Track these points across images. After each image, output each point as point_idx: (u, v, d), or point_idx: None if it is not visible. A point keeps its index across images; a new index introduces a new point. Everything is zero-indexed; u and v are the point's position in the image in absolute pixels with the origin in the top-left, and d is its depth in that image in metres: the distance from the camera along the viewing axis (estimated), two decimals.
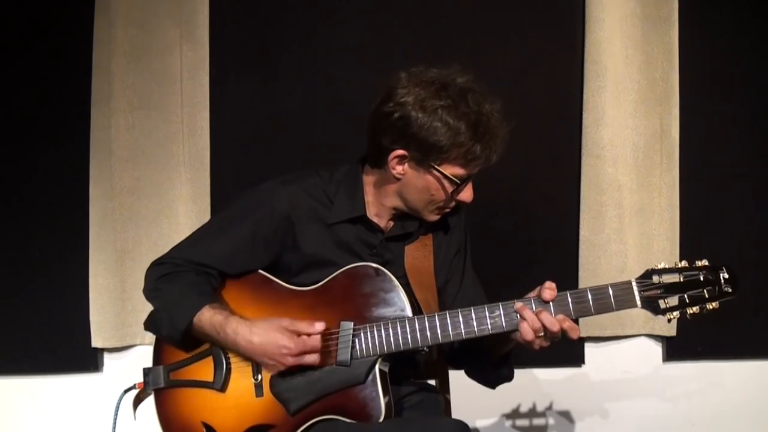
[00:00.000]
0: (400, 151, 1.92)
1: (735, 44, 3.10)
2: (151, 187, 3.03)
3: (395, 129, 1.90)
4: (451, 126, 1.86)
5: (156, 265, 2.08)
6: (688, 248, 2.99)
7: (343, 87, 3.00)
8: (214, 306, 1.95)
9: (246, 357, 1.94)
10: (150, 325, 2.04)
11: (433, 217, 2.04)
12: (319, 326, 1.88)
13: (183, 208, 3.04)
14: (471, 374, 2.15)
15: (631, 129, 3.04)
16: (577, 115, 3.04)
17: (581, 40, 3.03)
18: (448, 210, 2.04)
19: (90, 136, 3.02)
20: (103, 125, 3.01)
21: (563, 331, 1.80)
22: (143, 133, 3.02)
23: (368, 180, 2.07)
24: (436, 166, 1.91)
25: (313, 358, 1.88)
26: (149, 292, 2.07)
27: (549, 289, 1.81)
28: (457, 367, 2.21)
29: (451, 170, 1.91)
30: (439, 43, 3.02)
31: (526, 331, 1.80)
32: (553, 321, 1.79)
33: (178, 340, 1.98)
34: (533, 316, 1.80)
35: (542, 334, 1.81)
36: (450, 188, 1.94)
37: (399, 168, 1.95)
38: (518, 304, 1.82)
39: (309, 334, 1.88)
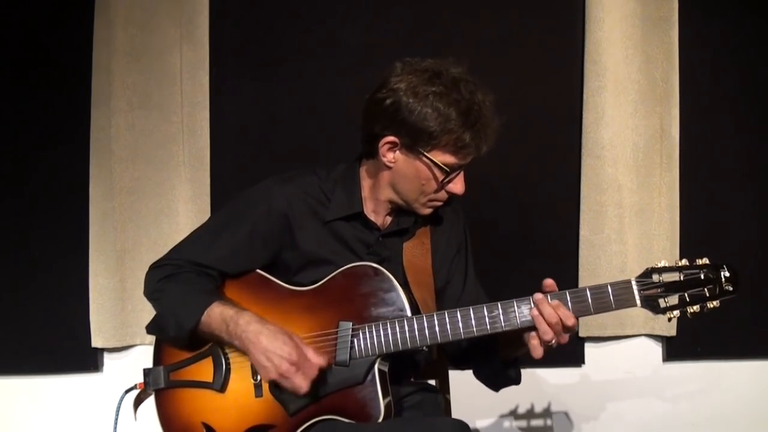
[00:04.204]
0: (391, 138, 1.92)
1: (735, 44, 3.10)
2: (151, 187, 3.03)
3: (386, 115, 1.90)
4: (442, 112, 1.86)
5: (156, 267, 2.08)
6: (688, 248, 2.99)
7: (343, 87, 3.00)
8: (223, 302, 1.94)
9: (244, 352, 1.92)
10: (153, 328, 2.03)
11: (426, 211, 2.03)
12: (322, 360, 1.87)
13: (183, 208, 3.04)
14: (478, 375, 2.15)
15: (631, 129, 3.04)
16: (577, 115, 3.05)
17: (581, 40, 3.04)
18: (439, 203, 2.03)
19: (90, 136, 3.02)
20: (103, 125, 3.01)
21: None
22: (143, 133, 3.02)
23: (364, 173, 2.07)
24: (425, 153, 1.91)
25: (302, 381, 1.84)
26: (151, 294, 2.06)
27: (549, 281, 1.82)
28: (463, 368, 2.20)
29: (441, 158, 1.91)
30: (439, 42, 3.02)
31: (540, 323, 1.79)
32: (569, 314, 1.78)
33: (184, 340, 1.97)
34: (550, 310, 1.79)
35: (558, 326, 1.79)
36: (440, 177, 1.94)
37: (390, 155, 1.96)
38: (538, 296, 1.81)
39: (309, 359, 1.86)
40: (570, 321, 1.78)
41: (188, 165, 3.03)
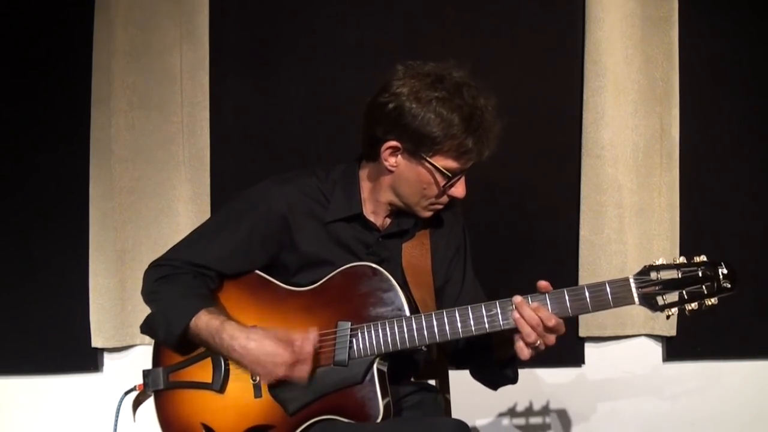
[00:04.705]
0: (393, 142, 1.92)
1: (735, 44, 3.10)
2: (151, 187, 3.03)
3: (389, 119, 1.90)
4: (444, 118, 1.86)
5: (154, 266, 2.07)
6: (688, 248, 2.97)
7: (343, 87, 3.01)
8: (211, 310, 1.94)
9: (240, 363, 1.93)
10: (146, 328, 2.03)
11: (427, 214, 2.03)
12: (312, 334, 1.87)
13: (183, 208, 3.04)
14: (475, 374, 2.15)
15: (631, 129, 3.04)
16: (577, 115, 3.04)
17: (581, 40, 3.04)
18: (440, 206, 2.03)
19: (90, 136, 3.02)
20: (103, 125, 3.01)
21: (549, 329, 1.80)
22: (143, 133, 3.02)
23: (364, 175, 2.07)
24: (428, 158, 1.91)
25: (302, 371, 1.86)
26: (147, 295, 2.06)
27: (543, 282, 1.81)
28: (461, 367, 2.20)
29: (443, 163, 1.91)
30: (440, 42, 3.02)
31: (521, 325, 1.79)
32: (549, 315, 1.78)
33: (173, 344, 1.98)
34: (530, 312, 1.79)
35: (540, 328, 1.79)
36: (442, 182, 1.94)
37: (392, 160, 1.95)
38: (517, 298, 1.81)
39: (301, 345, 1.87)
40: (551, 322, 1.78)
41: (188, 165, 3.03)
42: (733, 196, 3.09)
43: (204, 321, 1.92)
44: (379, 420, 1.86)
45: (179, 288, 1.99)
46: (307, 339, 1.87)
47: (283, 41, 3.06)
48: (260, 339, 1.88)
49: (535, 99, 3.06)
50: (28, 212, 3.06)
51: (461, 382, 2.25)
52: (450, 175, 1.93)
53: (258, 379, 1.95)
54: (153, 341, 2.09)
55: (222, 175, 3.05)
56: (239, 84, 3.07)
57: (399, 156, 1.95)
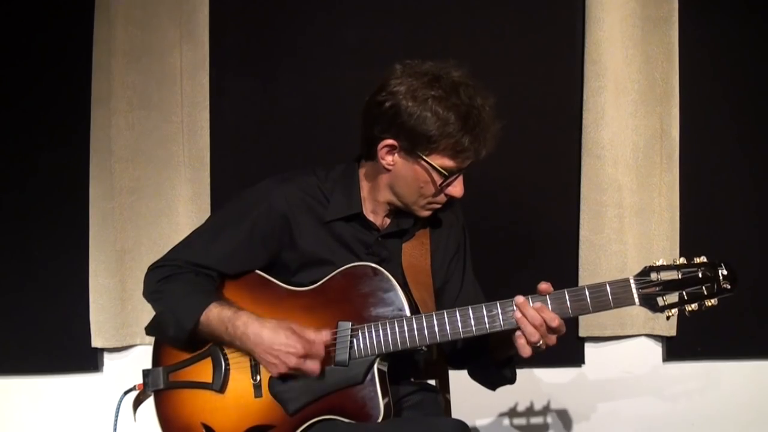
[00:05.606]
0: (390, 141, 1.92)
1: (735, 44, 3.10)
2: (151, 187, 3.03)
3: (386, 118, 1.91)
4: (441, 116, 1.86)
5: (155, 267, 2.08)
6: (688, 248, 2.98)
7: (343, 87, 3.00)
8: (221, 303, 1.95)
9: (248, 353, 1.93)
10: (153, 328, 2.04)
11: (425, 213, 2.03)
12: (325, 335, 1.88)
13: (183, 208, 3.04)
14: (473, 375, 2.15)
15: (631, 129, 3.04)
16: (577, 115, 3.04)
17: (581, 40, 3.04)
18: (438, 206, 2.03)
19: (90, 136, 3.02)
20: (103, 125, 3.01)
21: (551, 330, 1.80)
22: (143, 133, 3.02)
23: (362, 175, 2.08)
24: (424, 157, 1.91)
25: (314, 365, 1.87)
26: (150, 294, 2.07)
27: (544, 284, 1.82)
28: (459, 368, 2.21)
29: (440, 162, 1.91)
30: (439, 42, 3.02)
31: (524, 325, 1.80)
32: (553, 316, 1.79)
33: (183, 341, 1.98)
34: (533, 312, 1.80)
35: (543, 328, 1.79)
36: (439, 180, 1.94)
37: (389, 158, 1.96)
38: (519, 299, 1.82)
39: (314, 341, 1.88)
40: (554, 323, 1.79)
41: (188, 165, 3.03)
42: (733, 196, 3.09)
43: (215, 313, 1.92)
44: (379, 420, 1.86)
45: (185, 285, 2.00)
46: (320, 335, 1.88)
47: (283, 41, 3.06)
48: (275, 328, 1.88)
49: (535, 99, 3.06)
50: (28, 212, 3.05)
51: (461, 382, 2.25)
52: (446, 174, 1.93)
53: (259, 378, 1.95)
54: (153, 341, 2.09)
55: (222, 175, 3.05)
56: (239, 84, 3.07)
57: (396, 155, 1.95)
